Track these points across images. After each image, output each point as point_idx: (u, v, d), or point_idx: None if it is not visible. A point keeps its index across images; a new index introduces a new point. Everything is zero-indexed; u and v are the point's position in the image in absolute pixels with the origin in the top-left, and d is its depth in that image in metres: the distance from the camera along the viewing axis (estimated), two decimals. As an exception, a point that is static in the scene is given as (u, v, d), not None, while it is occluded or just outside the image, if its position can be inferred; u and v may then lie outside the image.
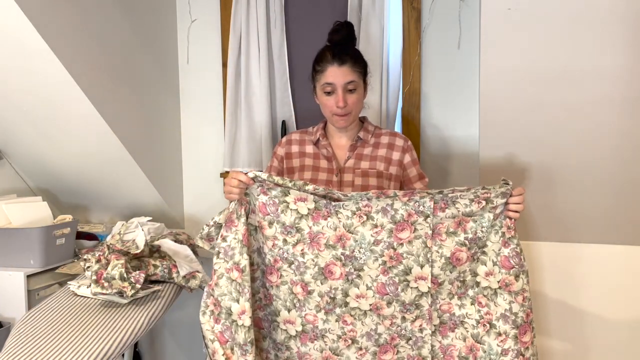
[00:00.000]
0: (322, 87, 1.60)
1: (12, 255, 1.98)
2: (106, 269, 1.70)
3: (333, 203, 1.44)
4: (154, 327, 2.59)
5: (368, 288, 1.45)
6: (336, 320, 1.46)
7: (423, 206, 1.42)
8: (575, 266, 2.09)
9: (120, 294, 1.68)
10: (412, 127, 2.17)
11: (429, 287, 1.44)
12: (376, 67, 2.10)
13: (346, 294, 1.45)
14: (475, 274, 1.46)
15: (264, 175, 1.43)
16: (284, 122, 2.29)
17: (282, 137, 2.26)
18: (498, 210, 1.44)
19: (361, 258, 1.44)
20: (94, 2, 1.94)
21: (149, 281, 1.85)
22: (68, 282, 1.86)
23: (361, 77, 1.61)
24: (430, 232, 1.42)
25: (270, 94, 2.27)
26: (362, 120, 1.73)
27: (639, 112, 1.64)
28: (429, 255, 1.43)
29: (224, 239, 1.46)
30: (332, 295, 1.45)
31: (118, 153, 2.10)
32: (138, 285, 1.69)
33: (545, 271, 2.12)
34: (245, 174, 1.42)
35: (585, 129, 1.72)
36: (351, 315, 1.46)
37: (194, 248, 2.19)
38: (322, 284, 1.45)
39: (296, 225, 1.45)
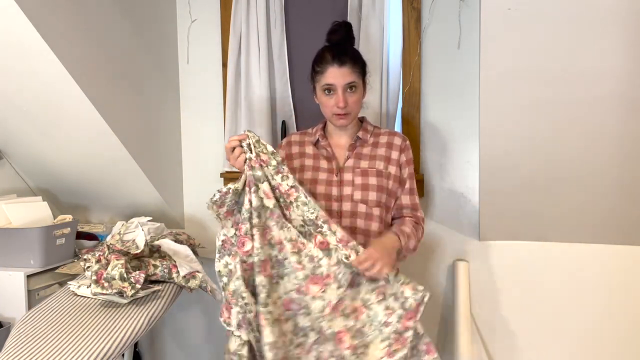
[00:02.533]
0: (322, 87, 1.61)
1: (12, 255, 1.98)
2: (106, 269, 1.70)
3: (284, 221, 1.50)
4: (154, 327, 2.59)
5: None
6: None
7: (342, 274, 1.45)
8: (575, 266, 2.09)
9: (120, 294, 1.68)
10: (412, 127, 2.17)
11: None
12: (376, 67, 2.10)
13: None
14: None
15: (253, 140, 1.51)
16: (284, 122, 2.29)
17: (282, 137, 2.26)
18: (391, 319, 1.47)
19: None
20: (94, 2, 1.94)
21: (149, 281, 1.85)
22: (68, 282, 1.86)
23: (360, 77, 1.62)
24: (334, 302, 1.45)
25: (270, 94, 2.27)
26: (361, 120, 1.74)
27: (639, 112, 1.64)
28: (318, 322, 1.45)
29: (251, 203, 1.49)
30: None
31: (118, 153, 2.10)
32: (138, 285, 1.69)
33: (545, 271, 2.13)
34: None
35: (585, 129, 1.72)
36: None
37: (194, 248, 2.19)
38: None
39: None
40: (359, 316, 1.47)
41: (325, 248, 1.47)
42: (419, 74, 2.16)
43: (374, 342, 1.46)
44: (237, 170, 2.34)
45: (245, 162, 1.50)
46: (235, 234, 1.53)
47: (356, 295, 1.48)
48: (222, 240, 1.56)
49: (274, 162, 1.51)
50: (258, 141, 1.52)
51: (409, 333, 1.45)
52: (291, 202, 1.51)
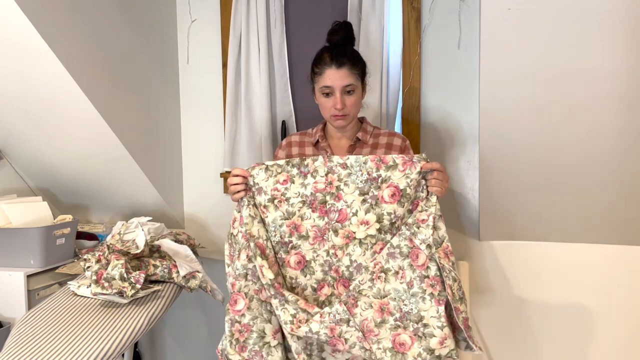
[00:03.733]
0: (321, 89, 1.61)
1: (12, 255, 1.98)
2: (106, 269, 1.70)
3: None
4: (154, 327, 2.59)
5: None
6: None
7: (338, 312, 1.38)
8: (576, 266, 2.09)
9: (120, 294, 1.68)
10: (412, 127, 2.17)
11: None
12: (376, 67, 2.10)
13: (322, 349, 1.46)
14: (431, 350, 1.37)
15: (259, 176, 1.47)
16: (284, 122, 2.29)
17: (282, 137, 2.26)
18: (407, 276, 1.40)
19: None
20: (94, 2, 1.94)
21: (149, 281, 1.85)
22: (68, 282, 1.86)
23: (359, 78, 1.61)
24: (360, 334, 1.37)
25: (270, 94, 2.27)
26: (361, 120, 1.74)
27: (639, 112, 1.64)
28: (373, 357, 1.37)
29: (250, 260, 1.44)
30: (308, 352, 1.43)
31: (118, 153, 2.10)
32: (138, 286, 1.69)
33: (545, 271, 2.13)
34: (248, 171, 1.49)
35: (585, 129, 1.72)
36: None
37: (194, 248, 2.19)
38: (298, 339, 1.42)
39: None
40: (389, 308, 1.40)
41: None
42: (419, 74, 2.15)
43: (421, 309, 1.39)
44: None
45: (240, 201, 1.49)
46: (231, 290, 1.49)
47: (368, 304, 1.41)
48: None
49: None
50: (267, 168, 1.48)
51: (433, 269, 1.39)
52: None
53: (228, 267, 1.50)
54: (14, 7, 1.59)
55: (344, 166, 1.46)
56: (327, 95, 1.60)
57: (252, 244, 1.43)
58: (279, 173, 1.47)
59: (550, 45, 1.56)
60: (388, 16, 2.12)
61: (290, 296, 1.39)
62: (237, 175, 1.48)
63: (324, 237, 1.46)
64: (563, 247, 2.09)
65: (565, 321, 2.12)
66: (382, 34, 2.12)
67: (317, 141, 1.71)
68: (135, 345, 2.54)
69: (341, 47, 1.61)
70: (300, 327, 1.37)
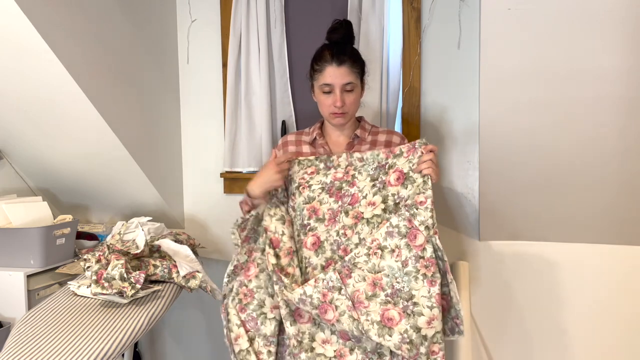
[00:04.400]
0: (321, 87, 1.61)
1: (12, 255, 1.98)
2: (106, 269, 1.70)
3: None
4: (154, 327, 2.59)
5: (332, 333, 1.50)
6: None
7: (331, 280, 1.45)
8: (575, 266, 2.09)
9: (120, 294, 1.68)
10: (412, 126, 2.17)
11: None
12: (376, 67, 2.10)
13: (312, 339, 1.51)
14: (418, 329, 1.39)
15: (293, 169, 1.63)
16: (284, 122, 2.29)
17: (281, 137, 2.26)
18: (403, 255, 1.44)
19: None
20: (94, 2, 1.94)
21: (149, 281, 1.85)
22: (68, 282, 1.86)
23: (359, 77, 1.62)
24: (350, 303, 1.42)
25: (270, 94, 2.27)
26: (359, 119, 1.74)
27: (639, 112, 1.64)
28: (360, 327, 1.40)
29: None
30: (299, 339, 1.50)
31: (118, 153, 2.10)
32: (138, 286, 1.69)
33: (545, 271, 2.13)
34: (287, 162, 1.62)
35: (585, 129, 1.72)
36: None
37: (194, 248, 2.20)
38: (290, 325, 1.50)
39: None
40: (381, 283, 1.43)
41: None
42: (419, 74, 2.16)
43: (412, 288, 1.41)
44: (237, 170, 2.36)
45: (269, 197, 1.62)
46: (246, 260, 1.63)
47: (362, 277, 1.45)
48: (234, 266, 1.63)
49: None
50: (300, 162, 1.63)
51: (429, 251, 1.42)
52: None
53: (237, 247, 1.64)
54: (14, 7, 1.59)
55: (361, 160, 1.59)
56: (327, 93, 1.60)
57: (264, 236, 1.57)
58: (309, 166, 1.62)
59: (550, 45, 1.56)
60: (388, 16, 2.12)
61: (286, 280, 1.49)
62: (283, 162, 1.59)
63: (336, 219, 1.54)
64: (563, 247, 2.09)
65: (565, 321, 2.12)
66: (382, 34, 2.12)
67: (315, 139, 1.71)
68: (135, 345, 2.55)
69: (341, 45, 1.62)
70: (295, 289, 1.46)
